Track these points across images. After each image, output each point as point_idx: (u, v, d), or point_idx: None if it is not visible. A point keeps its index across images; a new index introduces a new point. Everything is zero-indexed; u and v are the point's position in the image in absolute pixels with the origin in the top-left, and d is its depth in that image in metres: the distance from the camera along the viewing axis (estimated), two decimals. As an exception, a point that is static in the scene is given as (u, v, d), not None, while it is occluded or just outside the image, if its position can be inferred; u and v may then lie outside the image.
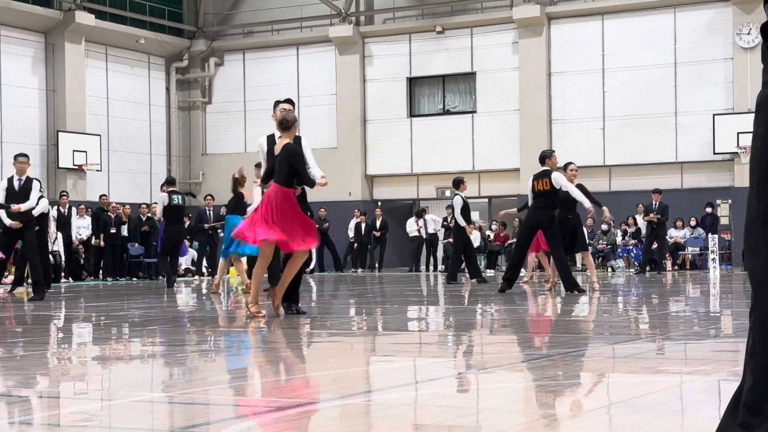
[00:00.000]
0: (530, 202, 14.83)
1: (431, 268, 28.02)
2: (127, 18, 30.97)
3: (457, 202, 18.67)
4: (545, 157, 14.62)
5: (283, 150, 10.17)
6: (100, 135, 29.45)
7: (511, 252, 26.90)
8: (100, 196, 26.33)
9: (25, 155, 14.95)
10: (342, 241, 29.08)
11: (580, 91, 28.79)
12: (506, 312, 11.33)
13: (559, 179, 14.35)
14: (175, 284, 18.81)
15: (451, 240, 28.07)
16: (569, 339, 8.09)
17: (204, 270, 25.28)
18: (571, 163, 15.78)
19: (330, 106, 31.42)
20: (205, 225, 24.01)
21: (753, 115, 2.56)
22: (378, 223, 28.78)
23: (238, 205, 16.37)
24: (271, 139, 10.67)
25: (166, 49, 32.26)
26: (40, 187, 15.24)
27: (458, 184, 18.91)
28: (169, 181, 19.28)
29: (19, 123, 27.96)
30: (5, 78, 27.75)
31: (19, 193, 14.52)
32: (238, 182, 16.47)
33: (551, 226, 14.40)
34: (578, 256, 20.33)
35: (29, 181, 14.61)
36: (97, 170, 28.93)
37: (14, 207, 14.49)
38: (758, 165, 2.49)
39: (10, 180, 14.64)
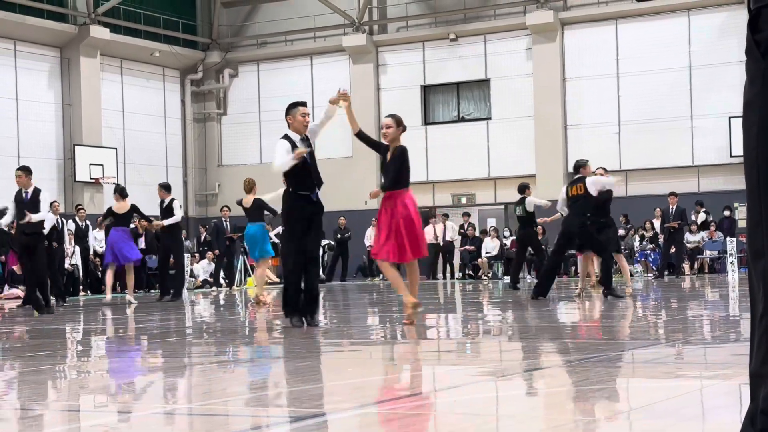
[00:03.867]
0: (564, 210, 15.05)
1: (448, 275, 27.97)
2: (142, 31, 31.09)
3: (530, 203, 18.08)
4: (580, 166, 14.82)
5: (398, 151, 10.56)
6: (116, 148, 29.56)
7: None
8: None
9: (21, 168, 14.94)
10: (360, 250, 29.08)
11: (594, 96, 28.74)
12: (526, 318, 11.30)
13: (594, 182, 14.48)
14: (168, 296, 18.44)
15: (469, 247, 28.11)
16: (588, 345, 8.06)
17: (222, 281, 25.31)
18: (599, 168, 15.88)
19: (344, 115, 31.33)
20: (234, 235, 24.02)
21: None
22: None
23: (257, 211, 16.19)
24: (291, 141, 10.32)
25: (180, 61, 32.36)
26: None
27: (524, 189, 18.39)
28: (166, 187, 18.98)
29: (36, 137, 28.08)
30: (22, 93, 27.88)
31: (28, 204, 14.59)
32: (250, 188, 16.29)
33: (584, 231, 14.46)
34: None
35: (36, 192, 14.67)
36: (114, 183, 29.01)
37: (27, 218, 14.56)
38: (755, 166, 2.39)
39: (18, 192, 14.71)
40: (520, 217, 18.53)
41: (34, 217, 14.50)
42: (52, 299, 16.57)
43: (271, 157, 11.16)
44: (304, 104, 10.56)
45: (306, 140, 10.43)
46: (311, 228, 10.25)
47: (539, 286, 14.83)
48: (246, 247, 19.07)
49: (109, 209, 18.56)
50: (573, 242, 14.87)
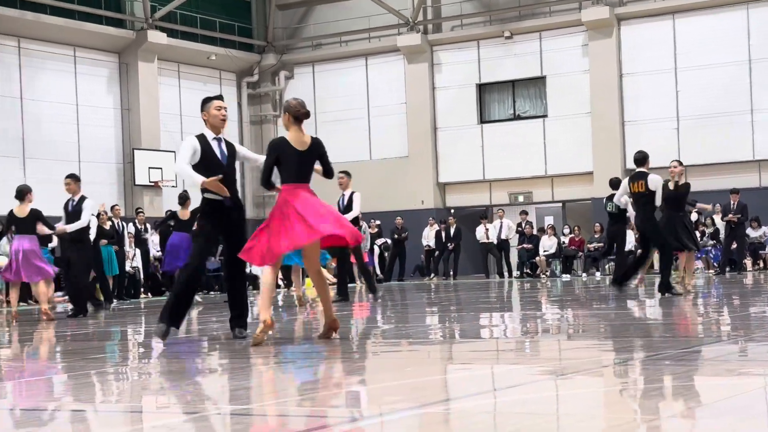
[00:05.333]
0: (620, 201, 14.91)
1: (505, 274, 27.84)
2: (198, 35, 31.36)
3: (618, 199, 16.39)
4: (644, 158, 14.39)
5: (314, 144, 8.94)
6: (174, 151, 29.83)
7: (589, 255, 26.55)
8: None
9: (70, 176, 15.11)
10: (417, 249, 29.07)
11: (652, 92, 28.45)
12: (586, 316, 11.21)
13: (656, 181, 14.17)
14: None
15: (526, 246, 27.96)
16: (650, 342, 7.98)
17: (279, 282, 25.43)
18: (674, 161, 15.49)
19: (400, 115, 31.46)
20: None
21: None
22: (452, 231, 28.72)
23: None
24: (204, 140, 9.12)
25: (236, 64, 32.60)
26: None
27: (617, 184, 17.23)
28: None
29: (95, 142, 28.45)
30: (81, 98, 28.26)
31: (71, 214, 14.82)
32: None
33: (648, 227, 14.31)
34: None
35: (81, 200, 14.87)
36: (173, 186, 29.29)
37: (59, 229, 14.84)
38: None
39: (67, 202, 14.95)
40: (611, 214, 18.12)
41: (68, 228, 14.73)
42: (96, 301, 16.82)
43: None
44: (219, 98, 9.40)
45: (223, 143, 9.26)
46: (230, 235, 9.18)
47: (622, 275, 14.76)
48: None
49: (173, 213, 18.77)
50: (647, 240, 14.63)
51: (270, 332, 8.69)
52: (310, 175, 8.91)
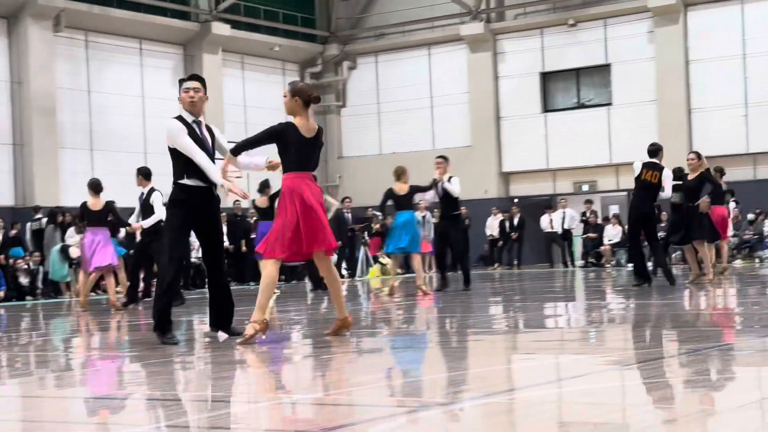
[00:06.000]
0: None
1: (568, 264, 27.66)
2: (262, 26, 31.54)
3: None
4: (659, 149, 14.59)
5: (319, 132, 8.51)
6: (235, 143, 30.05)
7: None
8: (234, 203, 26.78)
9: (138, 169, 15.28)
10: (480, 239, 28.99)
11: (720, 78, 28.01)
12: (649, 307, 11.12)
13: (669, 178, 14.35)
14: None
15: (591, 235, 27.75)
16: (715, 333, 7.90)
17: (344, 272, 25.54)
18: (691, 152, 15.75)
19: (463, 104, 31.38)
20: (356, 226, 24.22)
21: None
22: (515, 221, 28.60)
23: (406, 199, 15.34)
24: (184, 122, 8.58)
25: (299, 55, 32.75)
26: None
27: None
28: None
29: (161, 134, 28.73)
30: (148, 91, 28.60)
31: (142, 207, 15.03)
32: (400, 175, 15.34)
33: (651, 218, 14.56)
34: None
35: (150, 192, 15.03)
36: (237, 177, 29.52)
37: (134, 225, 15.02)
38: None
39: (140, 195, 15.13)
40: (674, 204, 17.89)
41: (145, 224, 14.85)
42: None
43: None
44: (192, 78, 8.72)
45: (203, 126, 8.73)
46: (208, 226, 8.65)
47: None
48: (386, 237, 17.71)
49: (252, 202, 18.95)
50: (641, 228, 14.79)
51: (263, 336, 8.08)
52: (315, 164, 8.44)
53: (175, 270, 8.47)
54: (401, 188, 15.25)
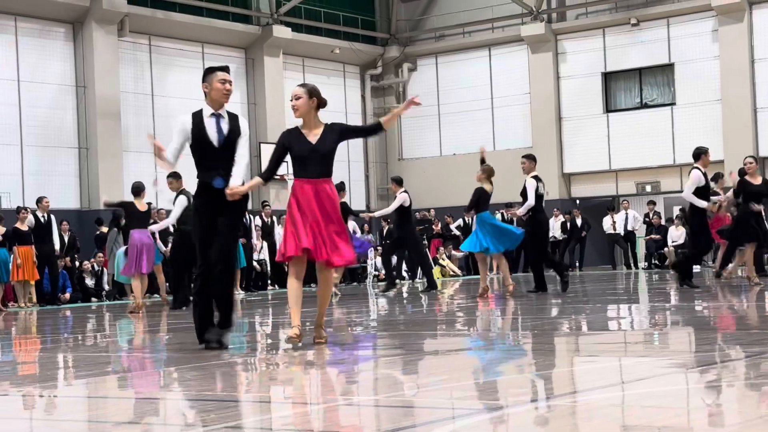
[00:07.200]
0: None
1: (632, 266, 27.38)
2: (322, 29, 31.69)
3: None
4: (702, 153, 14.47)
5: (330, 129, 8.27)
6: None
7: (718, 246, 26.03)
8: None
9: (169, 174, 15.34)
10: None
11: (786, 77, 27.57)
12: (718, 308, 10.97)
13: (689, 189, 14.42)
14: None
15: (654, 236, 27.43)
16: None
17: (405, 274, 25.54)
18: (748, 157, 15.79)
19: (524, 105, 31.23)
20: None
21: None
22: (578, 222, 28.40)
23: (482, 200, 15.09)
24: (198, 117, 8.15)
25: (360, 57, 32.83)
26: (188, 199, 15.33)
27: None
28: (398, 181, 19.13)
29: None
30: (209, 94, 28.84)
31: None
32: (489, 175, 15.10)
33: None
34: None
35: (177, 196, 15.42)
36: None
37: (150, 228, 15.68)
38: None
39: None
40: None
41: (154, 227, 15.50)
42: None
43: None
44: (225, 69, 8.24)
45: (224, 119, 8.15)
46: (216, 225, 8.05)
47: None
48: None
49: None
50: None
51: (299, 342, 7.85)
52: (328, 168, 8.09)
53: (200, 271, 8.10)
54: (489, 188, 15.07)
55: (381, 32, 33.60)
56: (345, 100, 32.44)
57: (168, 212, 16.10)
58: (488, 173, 15.20)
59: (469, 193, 15.50)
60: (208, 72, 8.18)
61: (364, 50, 32.84)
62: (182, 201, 15.26)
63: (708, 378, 5.58)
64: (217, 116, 8.10)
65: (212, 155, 8.04)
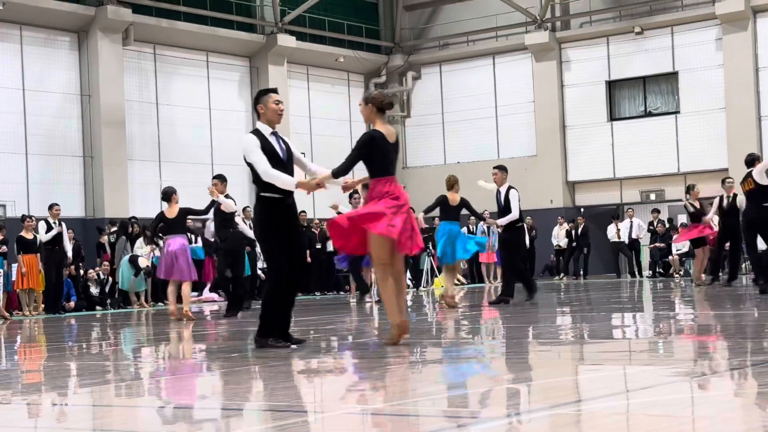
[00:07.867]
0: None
1: (636, 274, 27.35)
2: (327, 38, 31.73)
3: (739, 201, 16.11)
4: (754, 159, 14.69)
5: (397, 136, 8.82)
6: (303, 153, 30.07)
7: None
8: (300, 212, 26.90)
9: (216, 176, 15.51)
10: (546, 249, 28.82)
11: (790, 85, 27.58)
12: (722, 317, 10.96)
13: (758, 171, 14.49)
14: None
15: (659, 245, 27.40)
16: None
17: (408, 282, 25.54)
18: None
19: (528, 113, 31.24)
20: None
21: None
22: (580, 230, 28.38)
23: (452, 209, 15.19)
24: (261, 135, 8.66)
25: (364, 65, 32.87)
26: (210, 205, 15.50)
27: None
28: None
29: (227, 145, 29.03)
30: (214, 102, 28.91)
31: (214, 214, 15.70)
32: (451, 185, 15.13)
33: (760, 223, 14.54)
34: None
35: (211, 205, 15.41)
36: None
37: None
38: None
39: (212, 202, 15.55)
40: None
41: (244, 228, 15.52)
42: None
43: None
44: (275, 91, 8.89)
45: (280, 138, 8.81)
46: (291, 238, 8.66)
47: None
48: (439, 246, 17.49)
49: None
50: (755, 231, 15.01)
51: (406, 336, 8.48)
52: (395, 167, 8.77)
53: (273, 278, 8.65)
54: (453, 198, 15.00)
55: (385, 41, 33.64)
56: (349, 109, 32.45)
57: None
58: (449, 183, 15.18)
59: (474, 201, 15.47)
60: (263, 93, 8.81)
61: (368, 59, 32.88)
62: (231, 204, 15.27)
63: (713, 386, 5.58)
64: (276, 134, 8.74)
65: (281, 170, 8.56)
